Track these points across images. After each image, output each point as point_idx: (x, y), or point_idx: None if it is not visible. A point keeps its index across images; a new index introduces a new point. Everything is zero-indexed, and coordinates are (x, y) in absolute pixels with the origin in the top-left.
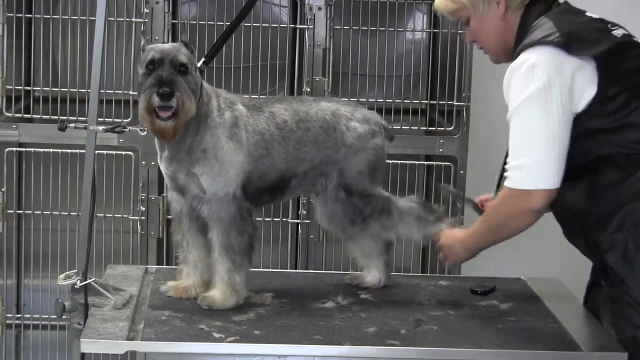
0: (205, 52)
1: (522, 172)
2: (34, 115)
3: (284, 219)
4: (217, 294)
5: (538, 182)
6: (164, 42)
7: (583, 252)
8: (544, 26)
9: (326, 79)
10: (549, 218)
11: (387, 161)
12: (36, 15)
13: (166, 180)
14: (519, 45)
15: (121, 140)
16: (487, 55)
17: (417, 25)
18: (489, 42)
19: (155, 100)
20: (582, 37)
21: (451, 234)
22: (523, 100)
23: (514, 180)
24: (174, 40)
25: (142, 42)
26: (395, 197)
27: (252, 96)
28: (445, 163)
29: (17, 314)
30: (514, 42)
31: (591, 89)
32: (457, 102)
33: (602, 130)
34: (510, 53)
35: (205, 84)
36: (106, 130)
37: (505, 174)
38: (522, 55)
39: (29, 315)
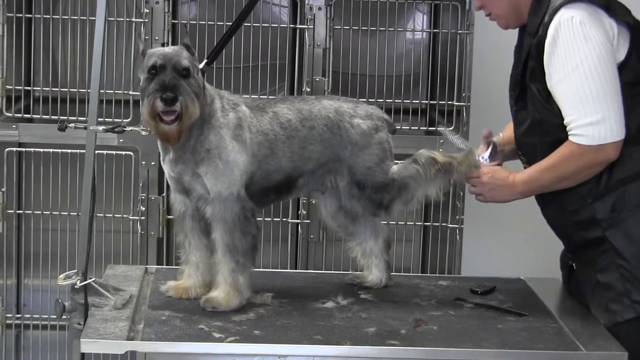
0: (206, 53)
1: (596, 128)
2: (34, 115)
3: (284, 219)
4: (221, 295)
5: (612, 136)
6: (163, 43)
7: (565, 229)
8: None
9: (326, 79)
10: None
11: None
12: (36, 15)
13: (170, 183)
14: (535, 7)
15: (121, 140)
16: (494, 23)
17: (417, 25)
18: (501, 7)
19: (159, 105)
20: (617, 3)
21: (498, 175)
22: (582, 58)
23: (590, 137)
24: (174, 41)
25: (141, 47)
26: (401, 165)
27: (254, 97)
28: None
29: (17, 314)
30: (529, 4)
31: (620, 53)
32: (457, 102)
33: None
34: (523, 17)
35: (207, 85)
36: (106, 130)
37: (574, 131)
38: (563, 11)
39: (29, 315)
